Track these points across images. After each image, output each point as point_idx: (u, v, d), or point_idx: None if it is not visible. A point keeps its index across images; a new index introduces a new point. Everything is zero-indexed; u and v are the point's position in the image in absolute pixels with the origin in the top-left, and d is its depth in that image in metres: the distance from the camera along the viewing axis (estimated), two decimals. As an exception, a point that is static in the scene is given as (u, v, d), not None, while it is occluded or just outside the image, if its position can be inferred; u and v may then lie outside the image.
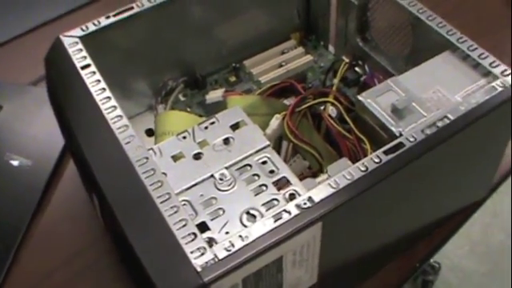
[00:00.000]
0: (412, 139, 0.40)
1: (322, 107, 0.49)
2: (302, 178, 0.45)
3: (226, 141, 0.43)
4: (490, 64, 0.45)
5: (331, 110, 0.49)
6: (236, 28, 0.61)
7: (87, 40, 0.51)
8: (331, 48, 0.64)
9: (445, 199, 0.50)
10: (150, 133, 0.57)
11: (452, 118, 0.41)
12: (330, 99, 0.48)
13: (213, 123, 0.44)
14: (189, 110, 0.59)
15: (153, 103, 0.60)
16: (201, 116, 0.54)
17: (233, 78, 0.62)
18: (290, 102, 0.52)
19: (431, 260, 1.08)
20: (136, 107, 0.60)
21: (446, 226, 0.53)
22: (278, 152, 0.49)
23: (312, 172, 0.47)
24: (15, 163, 0.61)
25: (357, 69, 0.59)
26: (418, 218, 0.49)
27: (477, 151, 0.47)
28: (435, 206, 0.50)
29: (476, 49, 0.47)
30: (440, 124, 0.41)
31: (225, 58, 0.62)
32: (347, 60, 0.60)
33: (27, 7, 0.78)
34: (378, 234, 0.45)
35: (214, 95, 0.54)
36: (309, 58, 0.61)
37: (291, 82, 0.52)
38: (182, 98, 0.61)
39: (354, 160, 0.45)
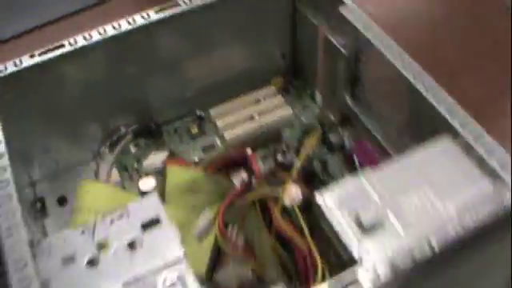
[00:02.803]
0: (373, 274, 0.29)
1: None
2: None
3: (132, 245, 0.32)
4: (500, 160, 0.34)
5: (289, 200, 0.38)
6: (206, 66, 0.51)
7: (5, 81, 0.42)
8: (319, 98, 0.52)
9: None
10: (62, 202, 0.48)
11: (435, 244, 0.30)
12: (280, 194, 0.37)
13: (121, 216, 0.34)
14: (137, 165, 0.49)
15: (101, 150, 0.50)
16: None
17: (195, 129, 0.51)
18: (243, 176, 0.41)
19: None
20: (81, 153, 0.50)
21: None
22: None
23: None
24: None
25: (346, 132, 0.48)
26: None
27: None
28: None
29: (482, 137, 0.35)
30: (418, 254, 0.30)
31: (189, 101, 0.52)
32: (333, 118, 0.49)
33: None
34: None
35: (153, 160, 0.44)
36: (288, 110, 0.50)
37: (244, 155, 0.41)
38: (133, 150, 0.50)
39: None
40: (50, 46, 0.43)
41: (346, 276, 0.29)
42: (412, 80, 0.38)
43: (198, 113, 0.52)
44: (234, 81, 0.52)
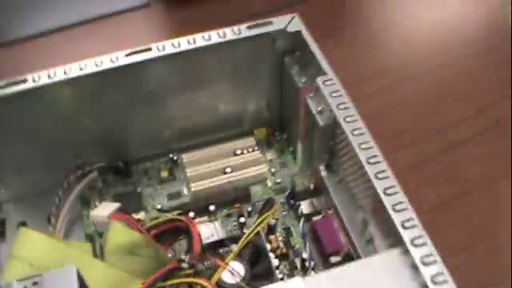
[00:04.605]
0: None
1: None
2: None
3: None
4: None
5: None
6: (189, 108, 0.49)
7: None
8: (299, 156, 0.49)
9: None
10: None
11: None
12: (202, 282, 0.34)
13: (35, 284, 0.32)
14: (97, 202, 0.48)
15: (70, 180, 0.49)
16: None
17: (165, 173, 0.49)
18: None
19: None
20: (50, 180, 0.48)
21: None
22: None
23: None
24: None
25: (315, 200, 0.46)
26: None
27: None
28: None
29: (434, 262, 0.32)
30: None
31: (165, 143, 0.50)
32: (309, 184, 0.47)
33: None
34: None
35: (99, 212, 0.42)
36: (263, 169, 0.48)
37: (187, 224, 0.39)
38: (100, 184, 0.49)
39: None
40: (17, 79, 0.41)
41: None
42: (373, 180, 0.35)
43: (172, 156, 0.50)
44: (215, 126, 0.50)
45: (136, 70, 0.43)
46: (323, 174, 0.44)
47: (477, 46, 0.62)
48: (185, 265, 0.36)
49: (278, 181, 0.49)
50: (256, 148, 0.49)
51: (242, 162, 0.48)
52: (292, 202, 0.46)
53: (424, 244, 0.32)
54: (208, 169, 0.48)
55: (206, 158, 0.48)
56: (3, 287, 0.32)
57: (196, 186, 0.47)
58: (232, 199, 0.47)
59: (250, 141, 0.50)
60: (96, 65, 0.42)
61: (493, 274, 0.43)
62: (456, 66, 0.60)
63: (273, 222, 0.45)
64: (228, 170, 0.47)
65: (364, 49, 0.61)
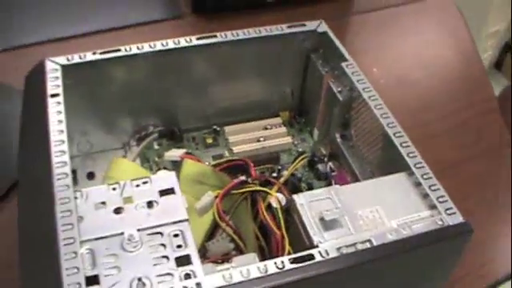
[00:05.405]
0: (324, 254, 0.39)
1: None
2: (225, 258, 0.45)
3: (150, 204, 0.43)
4: (438, 198, 0.44)
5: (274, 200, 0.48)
6: (228, 92, 0.62)
7: (69, 70, 0.53)
8: (315, 135, 0.63)
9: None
10: (90, 176, 0.58)
11: (375, 243, 0.40)
12: (267, 190, 0.47)
13: (145, 183, 0.44)
14: (157, 159, 0.60)
15: (130, 142, 0.61)
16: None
17: (210, 140, 0.62)
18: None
19: None
20: (113, 141, 0.61)
21: None
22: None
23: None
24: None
25: (331, 164, 0.59)
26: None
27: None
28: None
29: (430, 178, 0.45)
30: (360, 246, 0.40)
31: (209, 118, 0.63)
32: (324, 152, 0.60)
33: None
34: None
35: (172, 153, 0.55)
36: (288, 140, 0.61)
37: (245, 161, 0.52)
38: (156, 147, 0.61)
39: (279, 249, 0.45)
40: (110, 48, 0.54)
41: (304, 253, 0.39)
42: (385, 127, 0.49)
43: (215, 127, 0.62)
44: (249, 108, 0.63)
45: (187, 56, 0.56)
46: (339, 140, 0.58)
47: (447, 70, 0.79)
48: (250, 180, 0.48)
49: (301, 150, 0.62)
50: (282, 125, 0.62)
51: (272, 134, 0.61)
52: (316, 159, 0.59)
53: (423, 166, 0.46)
54: (245, 137, 0.61)
55: (243, 130, 0.62)
56: (121, 182, 0.44)
57: (238, 149, 0.59)
58: (265, 160, 0.60)
59: (277, 120, 0.63)
60: (174, 42, 0.55)
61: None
62: (433, 81, 0.76)
63: (299, 175, 0.57)
64: (261, 139, 0.61)
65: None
